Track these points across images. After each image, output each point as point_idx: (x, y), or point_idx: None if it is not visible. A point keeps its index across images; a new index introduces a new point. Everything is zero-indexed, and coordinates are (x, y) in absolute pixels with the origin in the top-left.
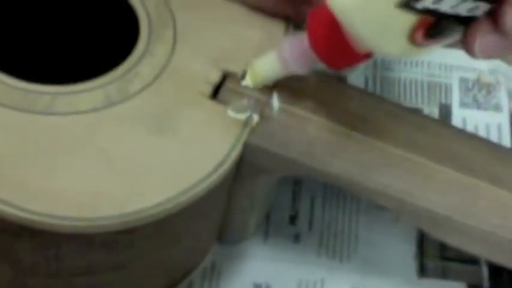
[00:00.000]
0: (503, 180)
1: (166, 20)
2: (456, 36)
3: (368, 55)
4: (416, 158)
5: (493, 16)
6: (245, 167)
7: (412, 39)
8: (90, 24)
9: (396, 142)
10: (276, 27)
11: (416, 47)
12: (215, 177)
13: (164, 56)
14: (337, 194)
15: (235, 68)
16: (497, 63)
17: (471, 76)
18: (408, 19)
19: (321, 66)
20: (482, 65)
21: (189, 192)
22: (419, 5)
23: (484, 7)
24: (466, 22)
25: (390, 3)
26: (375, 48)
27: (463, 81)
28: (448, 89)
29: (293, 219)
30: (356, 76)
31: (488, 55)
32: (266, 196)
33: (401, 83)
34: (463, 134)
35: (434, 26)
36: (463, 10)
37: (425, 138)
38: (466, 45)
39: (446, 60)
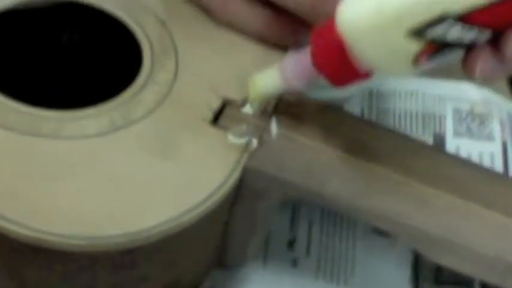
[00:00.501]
0: (496, 203)
1: (168, 50)
2: (456, 57)
3: (368, 74)
4: (411, 182)
5: (495, 42)
6: (244, 190)
7: (415, 62)
8: (95, 54)
9: (391, 167)
10: (276, 55)
11: (417, 67)
12: (216, 198)
13: (166, 84)
14: (334, 219)
15: (235, 95)
16: (490, 95)
17: (464, 107)
18: (415, 46)
19: (322, 82)
20: (475, 96)
21: (190, 213)
22: (429, 35)
23: (487, 35)
24: (467, 46)
25: (401, 31)
26: (379, 70)
27: (456, 111)
28: (442, 120)
29: (291, 244)
30: (352, 107)
31: (487, 78)
32: (265, 220)
33: (396, 113)
34: (456, 160)
35: (438, 51)
36: (468, 38)
37: (420, 163)
38: (467, 68)
39: (440, 91)
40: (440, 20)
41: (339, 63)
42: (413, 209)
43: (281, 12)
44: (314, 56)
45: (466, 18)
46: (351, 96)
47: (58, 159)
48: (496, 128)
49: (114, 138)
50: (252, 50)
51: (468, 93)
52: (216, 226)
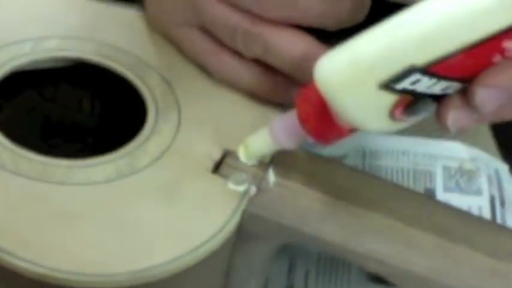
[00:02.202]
0: (482, 246)
1: (172, 105)
2: (430, 111)
3: (351, 130)
4: (400, 226)
5: (464, 93)
6: (244, 234)
7: (391, 115)
8: (103, 108)
9: (381, 212)
10: (271, 109)
11: (395, 122)
12: (216, 240)
13: (170, 135)
14: (330, 267)
15: (234, 146)
16: (478, 153)
17: (453, 164)
18: (389, 98)
19: (310, 141)
20: (464, 154)
21: (192, 254)
22: (399, 86)
23: (456, 86)
24: (439, 98)
25: (372, 84)
26: (357, 124)
27: (446, 168)
28: (432, 176)
29: None
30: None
31: (459, 127)
32: (263, 265)
33: (388, 170)
34: (444, 206)
35: (412, 104)
36: (437, 89)
37: (409, 208)
38: (439, 119)
39: (430, 150)
40: (408, 72)
41: (321, 121)
42: (402, 251)
43: (273, 69)
44: (299, 115)
45: (431, 70)
46: (345, 154)
47: (67, 203)
48: (483, 183)
49: (120, 185)
50: (251, 106)
51: (457, 151)
52: (216, 270)
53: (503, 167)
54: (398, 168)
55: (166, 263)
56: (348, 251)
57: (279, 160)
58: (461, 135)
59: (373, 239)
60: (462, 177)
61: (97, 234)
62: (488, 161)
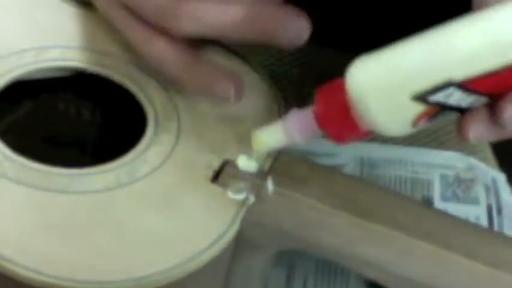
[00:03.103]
0: (479, 255)
1: (171, 114)
2: (450, 118)
3: (368, 133)
4: (397, 234)
5: (491, 107)
6: (243, 242)
7: (415, 124)
8: (103, 117)
9: (379, 219)
10: (270, 119)
11: (414, 128)
12: (216, 248)
13: (169, 145)
14: (328, 275)
15: (233, 155)
16: (475, 162)
17: (451, 173)
18: (417, 108)
19: (324, 138)
20: (461, 164)
21: (192, 261)
22: (432, 99)
23: (483, 100)
24: (463, 110)
25: (407, 94)
26: (381, 130)
27: (443, 177)
28: (430, 185)
29: None
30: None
31: (478, 139)
32: (262, 273)
33: (386, 179)
34: (442, 214)
35: (437, 114)
36: (465, 103)
37: (407, 216)
38: (461, 129)
39: (427, 159)
40: (444, 86)
41: (342, 121)
42: (400, 259)
43: (201, 61)
44: (318, 113)
45: (467, 86)
46: (343, 163)
47: (68, 212)
48: (481, 192)
49: (120, 194)
50: (251, 115)
51: (454, 160)
52: (216, 277)
53: (500, 176)
54: (396, 177)
55: (165, 271)
56: (346, 258)
57: (277, 169)
58: (459, 144)
59: (372, 247)
60: (459, 187)
61: (97, 242)
62: (485, 170)
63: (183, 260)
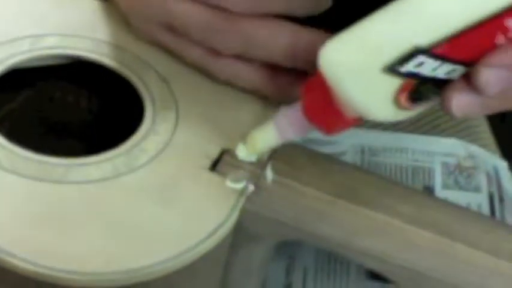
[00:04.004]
0: (481, 244)
1: (169, 102)
2: (436, 100)
3: (357, 119)
4: (399, 223)
5: (468, 76)
6: (242, 232)
7: (396, 102)
8: (101, 106)
9: (379, 209)
10: (270, 106)
11: (401, 110)
12: (214, 239)
13: (167, 134)
14: (328, 265)
15: (232, 144)
16: (476, 149)
17: (452, 161)
18: (393, 82)
19: (316, 131)
20: (462, 151)
21: (189, 252)
22: (403, 69)
23: (460, 70)
24: (444, 85)
25: (377, 67)
26: (362, 111)
27: (444, 165)
28: (431, 173)
29: None
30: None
31: (464, 113)
32: (262, 263)
33: (387, 167)
34: (444, 203)
35: (416, 89)
36: (442, 73)
37: (407, 205)
38: (443, 104)
39: (428, 147)
40: (412, 54)
41: (327, 111)
42: (400, 248)
43: (276, 68)
44: (304, 107)
45: (435, 52)
46: (343, 151)
47: (64, 202)
48: (482, 180)
49: (117, 184)
50: (249, 102)
51: (455, 148)
52: (215, 268)
53: (502, 163)
54: (397, 165)
55: (164, 262)
56: (346, 249)
57: (277, 157)
58: (460, 132)
59: (372, 237)
60: (461, 175)
61: (94, 233)
62: (487, 157)
63: (180, 251)
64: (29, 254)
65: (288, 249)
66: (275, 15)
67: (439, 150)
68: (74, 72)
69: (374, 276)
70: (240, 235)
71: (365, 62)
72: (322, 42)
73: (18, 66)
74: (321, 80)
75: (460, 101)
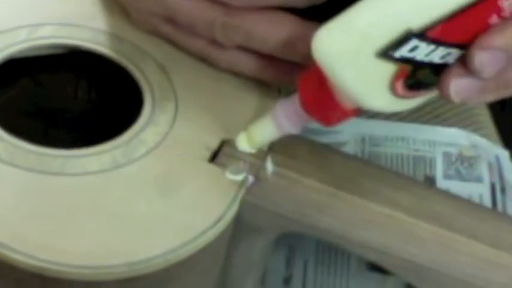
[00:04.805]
0: (483, 237)
1: (168, 94)
2: (434, 88)
3: (356, 110)
4: (398, 215)
5: (464, 59)
6: (242, 224)
7: (393, 90)
8: (99, 96)
9: (379, 201)
10: (269, 97)
11: (399, 99)
12: (213, 231)
13: (166, 125)
14: (329, 257)
15: (232, 135)
16: (478, 139)
17: (453, 151)
18: (387, 68)
19: (314, 124)
20: (464, 141)
21: (189, 245)
22: (397, 54)
23: (455, 54)
24: (440, 71)
25: (370, 52)
26: (358, 100)
27: (446, 155)
28: (432, 163)
29: (287, 281)
30: (346, 151)
31: (463, 98)
32: (262, 255)
33: (388, 157)
34: (445, 195)
35: (412, 75)
36: (437, 57)
37: (408, 197)
38: (441, 90)
39: (430, 136)
40: (405, 38)
41: (324, 103)
42: (402, 241)
43: (271, 59)
44: (302, 99)
45: (428, 36)
46: (344, 141)
47: (63, 195)
48: (484, 170)
49: (116, 176)
50: (250, 93)
51: (457, 137)
52: (214, 260)
53: (503, 153)
54: (398, 155)
55: (163, 255)
56: (347, 241)
57: (277, 149)
58: (462, 121)
59: (373, 229)
60: (462, 164)
61: (93, 226)
62: (489, 147)
63: (180, 243)
64: (28, 247)
65: (288, 241)
66: (275, 7)
67: (441, 140)
68: (72, 62)
69: (374, 268)
70: (240, 227)
71: (357, 49)
72: None
73: (15, 56)
74: (317, 71)
75: (457, 86)
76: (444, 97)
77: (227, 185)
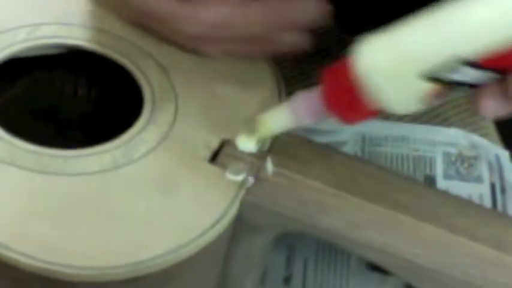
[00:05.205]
0: (483, 237)
1: (169, 94)
2: (460, 94)
3: (376, 112)
4: (399, 216)
5: (502, 83)
6: (242, 225)
7: (425, 101)
8: (100, 96)
9: (380, 201)
10: (269, 99)
11: (424, 104)
12: (213, 232)
13: (167, 124)
14: (329, 256)
15: (232, 135)
16: (478, 139)
17: (454, 150)
18: (428, 87)
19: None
20: (464, 141)
21: (189, 245)
22: (442, 77)
23: (495, 76)
24: (475, 85)
25: (416, 74)
26: (389, 108)
27: (446, 155)
28: (432, 162)
29: (287, 281)
30: (347, 150)
31: (492, 116)
32: (262, 255)
33: (388, 157)
34: (445, 196)
35: (448, 90)
36: (478, 80)
37: (409, 197)
38: (475, 106)
39: (430, 136)
40: (452, 64)
41: (349, 102)
42: (402, 241)
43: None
44: (326, 95)
45: (477, 63)
46: (344, 141)
47: (64, 194)
48: (484, 170)
49: (116, 176)
50: (250, 93)
51: (457, 137)
52: (214, 260)
53: (504, 153)
54: (398, 155)
55: (163, 255)
56: (347, 241)
57: (277, 149)
58: (462, 121)
59: (373, 229)
60: (463, 164)
61: (93, 226)
62: (489, 147)
63: (180, 244)
64: (28, 248)
65: (288, 241)
66: None
67: (441, 140)
68: (73, 62)
69: (374, 267)
70: (240, 227)
71: (403, 68)
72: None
73: (16, 55)
74: (346, 68)
75: (490, 105)
76: (475, 110)
77: (227, 185)
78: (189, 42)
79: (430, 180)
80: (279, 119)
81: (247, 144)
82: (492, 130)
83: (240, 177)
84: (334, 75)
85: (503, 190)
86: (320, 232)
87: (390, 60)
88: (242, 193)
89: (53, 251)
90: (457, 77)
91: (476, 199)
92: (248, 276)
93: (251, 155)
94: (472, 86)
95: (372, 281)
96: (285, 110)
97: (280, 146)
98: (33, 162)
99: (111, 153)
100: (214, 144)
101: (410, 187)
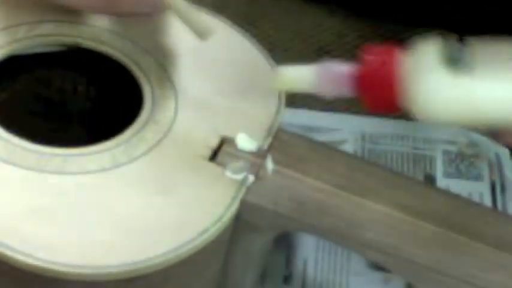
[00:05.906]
0: (483, 236)
1: (168, 91)
2: None
3: (401, 109)
4: (400, 215)
5: None
6: (241, 224)
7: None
8: (99, 94)
9: (380, 200)
10: (270, 99)
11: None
12: (213, 231)
13: (167, 123)
14: (329, 255)
15: (232, 133)
16: (478, 137)
17: (453, 149)
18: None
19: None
20: (464, 139)
21: (189, 245)
22: None
23: None
24: None
25: (472, 116)
26: (419, 115)
27: (446, 153)
28: (432, 161)
29: (287, 280)
30: (346, 149)
31: None
32: (262, 254)
33: (388, 155)
34: (445, 195)
35: None
36: None
37: (409, 197)
38: (498, 137)
39: (430, 134)
40: None
41: (383, 91)
42: (401, 241)
43: None
44: (361, 75)
45: None
46: (344, 139)
47: (63, 193)
48: (484, 168)
49: (116, 174)
50: (251, 91)
51: (457, 136)
52: (214, 259)
53: (504, 151)
54: (398, 153)
55: (163, 254)
56: (347, 240)
57: (277, 147)
58: None
59: (373, 228)
60: (463, 163)
61: (93, 225)
62: (489, 145)
63: (180, 243)
64: (27, 247)
65: (288, 240)
66: None
67: (441, 138)
68: (73, 60)
69: (374, 267)
70: (240, 226)
71: (463, 110)
72: None
73: (15, 53)
74: (393, 58)
75: None
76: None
77: (227, 184)
78: None
79: (430, 179)
80: (302, 77)
81: (247, 142)
82: None
83: (240, 176)
84: (377, 60)
85: (503, 188)
86: (319, 231)
87: (455, 105)
88: (242, 192)
89: (52, 250)
90: None
91: (476, 197)
92: (248, 275)
93: (251, 153)
94: None
95: (372, 280)
96: (311, 71)
97: (280, 144)
98: (31, 160)
99: (111, 151)
100: (214, 142)
101: (411, 186)
